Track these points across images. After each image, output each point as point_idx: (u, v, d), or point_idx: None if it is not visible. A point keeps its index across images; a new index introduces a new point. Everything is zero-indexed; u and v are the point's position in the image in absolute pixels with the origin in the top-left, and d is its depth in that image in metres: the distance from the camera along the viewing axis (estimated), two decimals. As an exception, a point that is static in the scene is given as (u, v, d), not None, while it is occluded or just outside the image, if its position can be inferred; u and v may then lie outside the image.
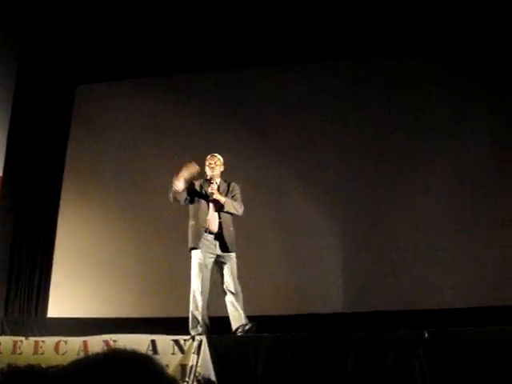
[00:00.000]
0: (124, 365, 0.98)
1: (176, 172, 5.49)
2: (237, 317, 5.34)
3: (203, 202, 5.58)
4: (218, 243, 5.47)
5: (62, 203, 8.12)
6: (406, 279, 6.81)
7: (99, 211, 7.96)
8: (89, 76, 8.42)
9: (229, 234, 5.51)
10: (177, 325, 5.68)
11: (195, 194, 5.63)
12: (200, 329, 5.26)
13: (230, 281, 5.39)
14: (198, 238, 5.44)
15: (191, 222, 5.56)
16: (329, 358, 4.52)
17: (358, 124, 7.55)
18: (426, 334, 4.45)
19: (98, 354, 1.02)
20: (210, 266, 5.45)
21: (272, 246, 7.30)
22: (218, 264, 5.50)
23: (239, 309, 5.35)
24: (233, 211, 5.58)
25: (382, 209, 7.19)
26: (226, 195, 5.60)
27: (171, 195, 5.57)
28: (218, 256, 5.47)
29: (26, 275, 7.88)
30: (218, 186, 5.61)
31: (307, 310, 6.82)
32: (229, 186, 5.71)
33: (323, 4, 7.47)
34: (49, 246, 7.98)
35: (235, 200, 5.62)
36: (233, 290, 5.38)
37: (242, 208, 5.64)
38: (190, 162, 5.56)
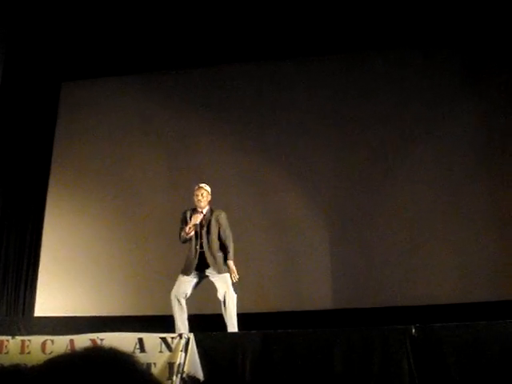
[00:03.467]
0: (100, 363, 0.97)
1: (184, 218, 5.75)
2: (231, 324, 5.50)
3: (198, 232, 5.79)
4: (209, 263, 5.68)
5: (48, 200, 8.07)
6: (393, 276, 6.83)
7: (86, 208, 7.92)
8: (74, 72, 8.38)
9: (215, 260, 5.68)
10: (164, 323, 5.67)
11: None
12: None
13: (222, 292, 5.57)
14: (190, 267, 5.66)
15: (188, 252, 5.76)
16: (316, 354, 4.52)
17: (342, 119, 7.57)
18: (413, 330, 4.46)
19: (75, 352, 1.01)
20: (194, 280, 5.68)
21: (260, 243, 7.30)
22: (210, 279, 5.72)
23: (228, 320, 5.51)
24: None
25: (369, 206, 7.20)
26: (210, 224, 5.78)
27: (183, 240, 5.81)
28: (208, 273, 5.70)
29: (12, 274, 7.83)
30: (204, 215, 5.81)
31: (296, 307, 6.84)
32: (213, 215, 5.86)
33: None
34: (35, 245, 7.93)
35: (224, 231, 5.81)
36: (223, 300, 5.56)
37: (231, 236, 5.84)
38: (193, 210, 5.81)
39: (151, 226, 7.57)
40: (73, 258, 7.69)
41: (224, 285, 5.57)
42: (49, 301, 7.58)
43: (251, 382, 4.47)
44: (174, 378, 4.44)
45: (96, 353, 1.02)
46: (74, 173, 8.12)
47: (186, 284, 5.62)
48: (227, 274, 5.62)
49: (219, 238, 5.77)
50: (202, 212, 5.81)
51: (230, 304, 5.53)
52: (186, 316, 5.58)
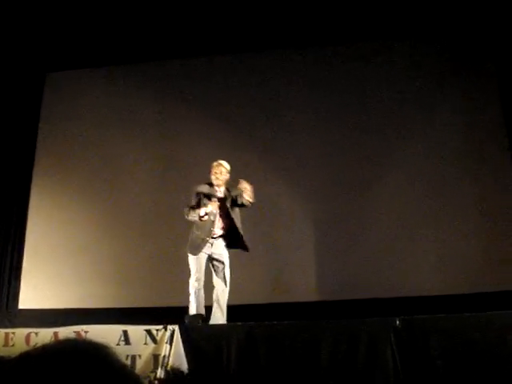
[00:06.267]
0: (71, 355, 0.96)
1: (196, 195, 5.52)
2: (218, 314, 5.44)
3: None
4: (218, 244, 5.56)
5: (32, 192, 8.01)
6: (378, 269, 6.86)
7: (71, 200, 7.87)
8: (59, 63, 8.29)
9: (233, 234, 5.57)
10: (149, 315, 5.67)
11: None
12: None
13: (221, 278, 5.52)
14: (199, 246, 5.49)
15: (196, 232, 5.54)
16: (302, 346, 4.54)
17: (330, 114, 7.56)
18: (398, 322, 4.49)
19: (48, 344, 1.00)
20: (204, 265, 5.54)
21: (246, 235, 7.28)
22: (213, 262, 5.60)
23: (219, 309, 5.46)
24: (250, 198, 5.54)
25: (356, 200, 7.22)
26: (233, 200, 5.57)
27: (191, 219, 5.52)
28: (214, 255, 5.57)
29: (-4, 267, 7.77)
30: (225, 196, 5.61)
31: (281, 299, 6.85)
32: (232, 193, 5.64)
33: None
34: (19, 237, 7.87)
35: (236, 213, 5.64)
36: (220, 288, 5.50)
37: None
38: (210, 185, 5.57)
39: (136, 217, 7.54)
40: (57, 250, 7.64)
41: (227, 270, 5.51)
42: (33, 293, 7.53)
43: (236, 373, 4.48)
44: (158, 370, 4.44)
45: (69, 345, 1.01)
46: (59, 165, 8.06)
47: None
48: (228, 257, 5.55)
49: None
50: (216, 199, 5.50)
51: (225, 292, 5.49)
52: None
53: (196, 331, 4.90)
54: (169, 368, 4.16)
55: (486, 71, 7.33)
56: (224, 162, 5.66)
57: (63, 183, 7.98)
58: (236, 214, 5.63)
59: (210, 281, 5.54)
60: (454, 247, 6.80)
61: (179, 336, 4.69)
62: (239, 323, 4.97)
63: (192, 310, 5.41)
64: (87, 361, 0.95)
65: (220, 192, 5.61)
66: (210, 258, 5.56)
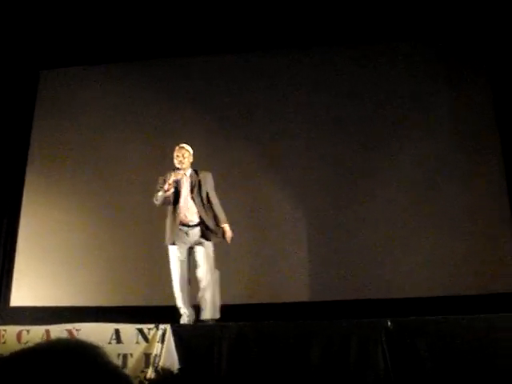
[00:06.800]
0: (62, 355, 0.96)
1: (163, 181, 5.50)
2: (207, 307, 5.37)
3: (182, 196, 5.51)
4: (194, 233, 5.46)
5: (25, 190, 7.98)
6: (369, 270, 6.88)
7: (64, 198, 7.85)
8: (52, 61, 8.27)
9: (209, 222, 5.48)
10: (142, 314, 5.67)
11: (175, 192, 5.56)
12: (186, 319, 5.37)
13: (203, 269, 5.39)
14: (174, 233, 5.42)
15: (169, 218, 5.51)
16: (293, 346, 4.55)
17: (322, 112, 7.57)
18: (389, 323, 4.51)
19: (39, 345, 1.01)
20: (186, 258, 5.47)
21: (238, 235, 7.27)
22: (193, 253, 5.50)
23: (209, 299, 5.37)
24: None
25: (348, 200, 7.24)
26: (200, 187, 5.54)
27: (160, 200, 5.50)
28: (193, 246, 5.47)
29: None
30: (191, 177, 5.57)
31: (273, 300, 6.86)
32: (199, 176, 5.61)
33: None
34: (12, 234, 7.85)
35: (213, 195, 5.59)
36: (204, 279, 5.39)
37: (217, 199, 5.63)
38: (174, 170, 5.54)
39: (131, 215, 7.53)
40: (49, 248, 7.62)
41: (208, 260, 5.38)
42: (25, 291, 7.52)
43: (227, 373, 4.49)
44: (149, 369, 4.45)
45: (60, 345, 1.01)
46: (52, 164, 8.03)
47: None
48: (211, 245, 5.45)
49: (208, 202, 5.53)
50: (184, 174, 5.51)
51: (211, 282, 5.37)
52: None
53: (188, 330, 4.91)
54: (159, 368, 4.17)
55: (479, 77, 7.36)
56: (185, 145, 5.64)
57: (57, 182, 7.96)
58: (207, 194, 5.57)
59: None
60: (446, 250, 6.83)
61: (171, 335, 4.70)
62: (231, 323, 4.97)
63: (179, 304, 5.39)
64: (77, 361, 0.95)
65: (186, 175, 5.57)
66: (190, 249, 5.48)
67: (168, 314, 5.42)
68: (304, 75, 7.76)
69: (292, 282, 7.02)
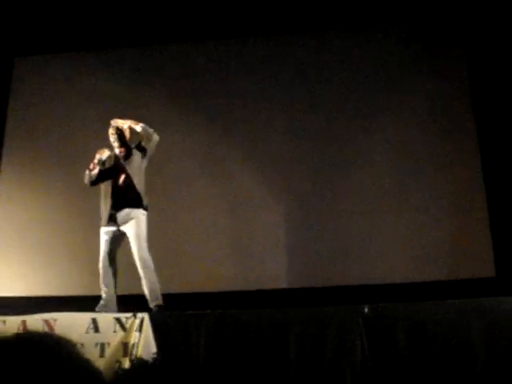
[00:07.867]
0: (34, 350, 0.95)
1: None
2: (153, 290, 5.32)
3: (111, 179, 5.46)
4: (123, 214, 5.36)
5: (0, 177, 7.88)
6: (346, 256, 6.92)
7: (38, 187, 7.76)
8: (27, 48, 8.14)
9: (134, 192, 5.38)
10: (119, 302, 5.63)
11: (106, 173, 5.51)
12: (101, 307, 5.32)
13: (135, 248, 5.32)
14: (105, 216, 5.38)
15: (101, 204, 5.47)
16: (270, 333, 4.56)
17: (299, 100, 7.58)
18: (366, 309, 4.53)
19: (7, 337, 0.99)
20: (110, 239, 5.40)
21: (213, 221, 7.28)
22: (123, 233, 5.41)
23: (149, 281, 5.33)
24: (150, 135, 5.45)
25: (324, 186, 7.26)
26: (130, 160, 5.46)
27: (87, 179, 5.46)
28: (121, 225, 5.38)
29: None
30: (130, 155, 5.47)
31: (249, 287, 6.86)
32: (133, 151, 5.53)
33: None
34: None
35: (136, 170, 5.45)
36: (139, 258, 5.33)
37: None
38: (100, 148, 5.49)
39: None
40: (24, 236, 7.54)
41: (142, 242, 5.29)
42: (1, 281, 7.43)
43: (205, 361, 4.49)
44: (127, 359, 4.42)
45: (33, 339, 1.00)
46: (27, 149, 7.94)
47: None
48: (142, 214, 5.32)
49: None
50: (106, 149, 5.43)
51: (149, 262, 5.32)
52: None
53: (165, 319, 4.89)
54: (134, 357, 4.15)
55: (456, 60, 7.40)
56: (112, 122, 5.50)
57: (30, 171, 7.86)
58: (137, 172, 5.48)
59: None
60: (423, 235, 6.89)
61: (149, 324, 4.68)
62: (209, 311, 4.97)
63: (102, 294, 5.37)
64: (49, 356, 0.94)
65: (122, 152, 5.49)
66: (121, 233, 5.41)
67: (145, 302, 5.40)
68: (282, 62, 7.74)
69: (269, 269, 7.03)
